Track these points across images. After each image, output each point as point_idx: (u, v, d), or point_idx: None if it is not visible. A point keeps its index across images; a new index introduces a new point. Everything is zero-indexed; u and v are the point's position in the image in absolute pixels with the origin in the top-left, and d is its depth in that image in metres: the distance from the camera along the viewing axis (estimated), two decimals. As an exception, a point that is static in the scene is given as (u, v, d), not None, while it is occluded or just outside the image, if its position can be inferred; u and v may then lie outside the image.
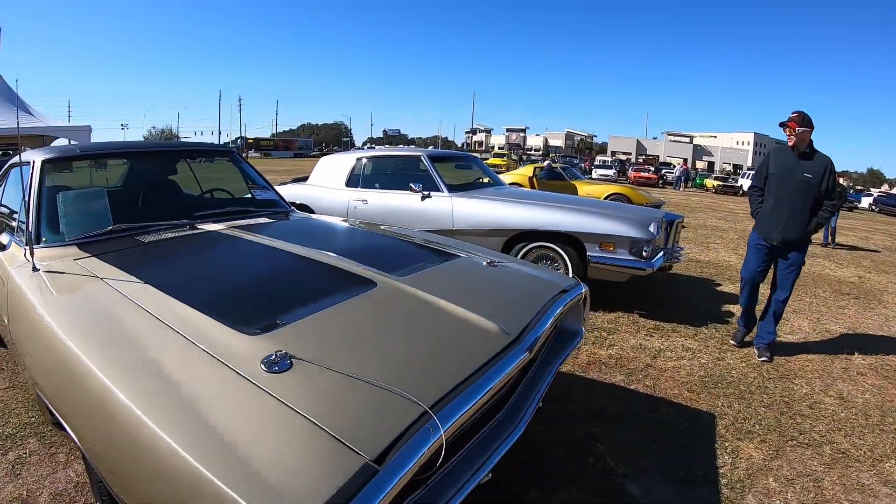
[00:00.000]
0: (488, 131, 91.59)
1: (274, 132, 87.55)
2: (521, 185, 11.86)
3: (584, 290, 2.34)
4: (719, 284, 5.78)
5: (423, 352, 1.56)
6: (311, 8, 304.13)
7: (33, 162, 2.67)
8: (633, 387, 3.04)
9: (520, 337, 1.72)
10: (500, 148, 65.26)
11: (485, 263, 2.40)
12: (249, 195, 3.44)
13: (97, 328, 1.58)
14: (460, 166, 6.39)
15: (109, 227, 2.47)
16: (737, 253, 7.86)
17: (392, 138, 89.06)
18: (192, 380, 1.28)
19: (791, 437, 2.63)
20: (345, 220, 3.32)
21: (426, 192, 5.12)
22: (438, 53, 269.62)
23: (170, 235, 2.53)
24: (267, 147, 60.25)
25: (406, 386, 1.31)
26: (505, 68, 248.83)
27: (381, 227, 3.07)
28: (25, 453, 2.28)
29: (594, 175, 31.66)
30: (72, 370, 1.42)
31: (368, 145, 78.86)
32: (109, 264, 2.07)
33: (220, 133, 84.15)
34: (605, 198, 10.46)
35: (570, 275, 4.32)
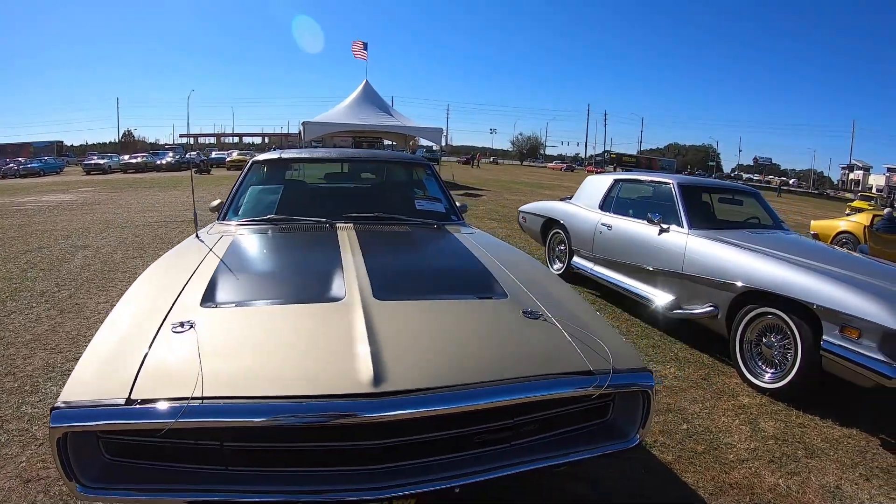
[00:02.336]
0: (867, 169, 73.62)
1: (639, 149, 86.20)
2: (853, 235, 9.20)
3: (642, 385, 1.74)
4: None
5: (272, 359, 1.62)
6: (677, 30, 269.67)
7: (272, 161, 3.77)
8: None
9: (387, 395, 1.45)
10: (878, 190, 47.89)
11: (521, 311, 1.98)
12: (416, 205, 3.51)
13: (151, 275, 2.26)
14: (727, 200, 5.25)
15: (268, 216, 3.10)
16: None
17: (762, 167, 78.68)
18: (134, 319, 1.81)
19: None
20: (471, 236, 3.04)
21: (665, 226, 4.60)
22: (815, 76, 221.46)
23: (301, 228, 3.00)
24: (629, 163, 59.15)
25: (214, 373, 1.49)
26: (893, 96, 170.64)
27: (485, 247, 2.80)
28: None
29: None
30: None
31: (735, 173, 69.61)
32: (230, 240, 2.69)
33: (585, 145, 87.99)
34: None
35: (795, 363, 3.29)
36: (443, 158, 60.06)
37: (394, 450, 1.56)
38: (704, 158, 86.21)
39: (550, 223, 6.46)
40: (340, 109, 22.86)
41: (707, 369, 3.88)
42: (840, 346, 3.04)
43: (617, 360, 1.77)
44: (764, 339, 3.56)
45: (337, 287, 2.02)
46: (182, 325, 1.71)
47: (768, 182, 61.82)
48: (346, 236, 2.75)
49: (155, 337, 1.66)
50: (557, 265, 6.34)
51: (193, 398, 1.40)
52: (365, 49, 25.67)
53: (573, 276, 5.96)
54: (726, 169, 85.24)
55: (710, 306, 3.97)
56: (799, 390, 3.32)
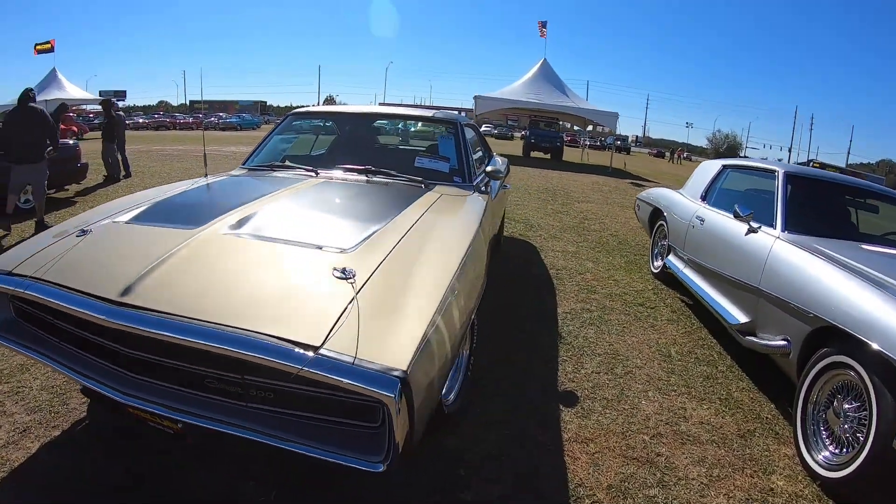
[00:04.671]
0: None
1: (847, 161, 65.22)
2: None
3: (369, 389, 1.30)
4: None
5: (103, 262, 1.86)
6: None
7: (303, 114, 4.04)
8: None
9: (122, 305, 1.55)
10: None
11: (333, 269, 1.67)
12: (416, 162, 3.30)
13: (126, 196, 2.63)
14: (858, 205, 3.56)
15: (272, 163, 3.34)
16: None
17: None
18: (72, 223, 2.18)
19: None
20: (449, 199, 2.81)
21: (755, 224, 3.28)
22: None
23: (290, 173, 3.09)
24: None
25: (60, 265, 1.80)
26: None
27: (438, 211, 2.56)
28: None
29: None
30: None
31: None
32: (219, 179, 2.97)
33: (790, 150, 72.10)
34: None
35: (865, 447, 2.02)
36: (633, 149, 54.56)
37: (152, 365, 1.61)
38: (924, 179, 62.40)
39: (657, 213, 5.23)
40: (515, 87, 22.12)
41: (757, 424, 2.68)
42: (928, 439, 1.76)
43: (370, 353, 1.37)
44: (835, 403, 2.29)
45: (213, 219, 2.08)
46: (84, 231, 2.00)
47: None
48: (310, 183, 2.80)
49: (63, 237, 1.99)
50: (658, 262, 5.13)
51: (33, 277, 1.74)
52: (545, 28, 24.88)
53: (671, 280, 4.75)
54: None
55: (784, 339, 2.72)
56: (863, 489, 2.06)
